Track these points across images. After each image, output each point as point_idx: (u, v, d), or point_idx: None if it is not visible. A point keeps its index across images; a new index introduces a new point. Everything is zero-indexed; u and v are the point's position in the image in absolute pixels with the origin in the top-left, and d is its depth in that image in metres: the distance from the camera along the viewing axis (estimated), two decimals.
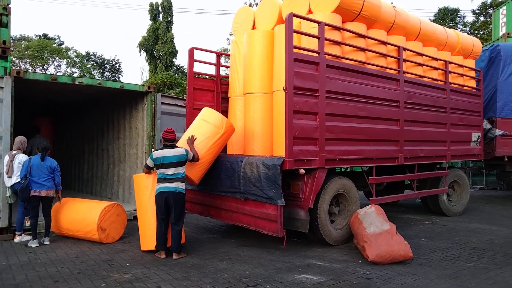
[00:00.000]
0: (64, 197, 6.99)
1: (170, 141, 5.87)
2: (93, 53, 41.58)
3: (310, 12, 6.66)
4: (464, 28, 29.42)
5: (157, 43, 35.79)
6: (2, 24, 7.06)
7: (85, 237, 6.58)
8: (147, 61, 36.77)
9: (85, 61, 39.76)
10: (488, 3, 28.47)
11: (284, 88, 5.68)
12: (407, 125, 7.52)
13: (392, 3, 8.65)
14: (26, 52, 33.54)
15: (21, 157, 6.62)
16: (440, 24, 12.36)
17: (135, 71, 74.06)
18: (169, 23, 36.18)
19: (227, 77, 8.26)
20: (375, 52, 7.06)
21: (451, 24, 29.30)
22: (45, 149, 6.52)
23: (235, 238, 6.92)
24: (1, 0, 7.09)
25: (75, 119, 11.74)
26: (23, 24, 61.00)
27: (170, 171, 5.69)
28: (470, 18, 32.61)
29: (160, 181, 5.74)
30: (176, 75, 33.70)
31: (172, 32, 36.39)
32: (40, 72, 31.35)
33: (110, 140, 10.09)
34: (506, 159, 10.23)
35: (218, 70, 8.17)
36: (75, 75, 36.16)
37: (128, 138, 9.36)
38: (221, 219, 6.89)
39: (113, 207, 6.67)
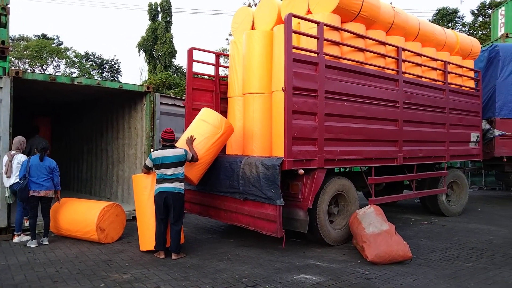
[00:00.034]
0: (63, 197, 6.98)
1: (169, 141, 5.87)
2: (92, 53, 41.56)
3: (309, 12, 6.66)
4: (463, 29, 29.46)
5: (156, 43, 35.78)
6: (1, 24, 7.05)
7: (84, 237, 6.57)
8: (146, 61, 36.75)
9: (84, 61, 39.72)
10: (487, 3, 28.52)
11: (283, 88, 5.68)
12: (406, 125, 7.52)
13: (391, 3, 8.66)
14: (25, 52, 33.49)
15: (20, 157, 6.61)
16: (439, 25, 12.38)
17: (134, 71, 73.98)
18: (168, 23, 36.17)
19: (226, 77, 8.26)
20: (374, 52, 7.07)
21: (450, 25, 29.35)
22: (44, 149, 6.51)
23: (234, 238, 6.92)
24: None
25: (74, 119, 11.73)
26: (22, 24, 61.02)
27: (169, 171, 5.69)
28: (469, 18, 32.69)
29: (159, 181, 5.74)
30: (175, 75, 33.71)
31: (171, 32, 36.39)
32: (39, 72, 31.29)
33: (109, 140, 10.09)
34: (505, 159, 10.24)
35: (217, 70, 8.17)
36: (74, 75, 36.13)
37: (127, 138, 9.36)
38: (220, 219, 6.89)
39: (112, 207, 6.67)
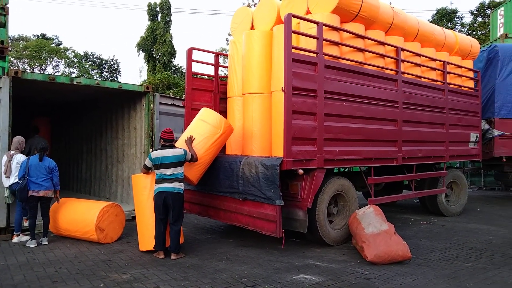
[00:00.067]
0: (62, 197, 6.98)
1: (168, 141, 5.87)
2: (91, 53, 41.56)
3: (308, 12, 6.66)
4: (462, 29, 29.48)
5: (156, 43, 35.76)
6: (0, 24, 7.05)
7: (84, 237, 6.57)
8: (145, 61, 36.74)
9: (84, 61, 39.68)
10: (486, 4, 28.54)
11: (283, 88, 5.68)
12: (405, 125, 7.53)
13: (390, 3, 8.66)
14: (24, 52, 33.46)
15: (19, 157, 6.61)
16: (438, 25, 12.39)
17: (133, 71, 74.02)
18: (167, 23, 36.15)
19: (225, 77, 8.26)
20: (374, 52, 7.07)
21: (449, 25, 29.37)
22: (43, 149, 6.51)
23: (233, 239, 6.92)
24: None
25: (74, 119, 11.73)
26: (21, 24, 60.96)
27: (168, 171, 5.69)
28: (468, 19, 32.68)
29: (158, 181, 5.74)
30: (174, 75, 33.70)
31: (171, 32, 36.37)
32: (38, 72, 31.29)
33: (109, 140, 10.08)
34: (504, 160, 10.25)
35: (216, 70, 8.17)
36: (73, 75, 36.10)
37: (126, 138, 9.35)
38: (220, 220, 6.89)
39: (111, 207, 6.66)
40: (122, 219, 6.89)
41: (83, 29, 67.51)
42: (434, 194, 8.75)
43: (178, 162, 5.76)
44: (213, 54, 8.46)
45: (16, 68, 26.25)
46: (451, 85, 8.83)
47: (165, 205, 5.68)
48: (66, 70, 36.75)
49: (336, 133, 6.36)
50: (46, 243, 6.45)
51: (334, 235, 6.42)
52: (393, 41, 7.54)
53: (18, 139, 6.83)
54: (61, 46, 38.82)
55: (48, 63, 35.56)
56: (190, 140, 6.14)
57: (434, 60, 8.51)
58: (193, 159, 5.98)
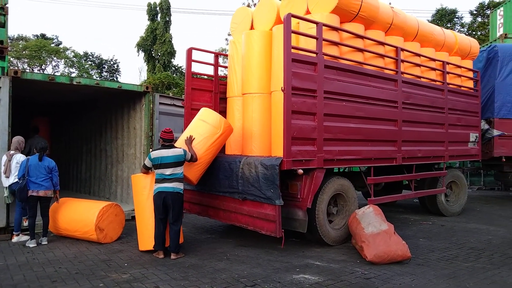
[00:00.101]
0: (62, 197, 6.97)
1: (168, 141, 5.87)
2: (91, 53, 41.58)
3: (308, 12, 6.66)
4: (462, 29, 29.50)
5: (155, 43, 35.78)
6: (0, 24, 7.05)
7: (83, 237, 6.57)
8: (145, 61, 36.76)
9: (83, 61, 39.69)
10: (486, 4, 28.56)
11: (282, 88, 5.68)
12: (405, 125, 7.53)
13: (390, 3, 8.67)
14: (23, 52, 33.47)
15: (19, 157, 6.61)
16: (438, 25, 12.38)
17: (133, 71, 74.00)
18: (167, 23, 36.18)
19: (225, 77, 8.26)
20: (373, 52, 7.07)
21: (449, 25, 29.37)
22: (43, 149, 6.50)
23: (233, 238, 6.92)
24: None
25: (73, 119, 11.72)
26: (21, 24, 60.95)
27: (168, 171, 5.69)
28: (467, 19, 32.67)
29: (158, 181, 5.74)
30: (174, 75, 33.71)
31: (170, 32, 36.41)
32: (38, 72, 31.28)
33: (108, 140, 10.08)
34: (504, 160, 10.26)
35: (216, 70, 8.17)
36: (73, 75, 36.10)
37: (126, 138, 9.35)
38: (219, 219, 6.89)
39: (111, 207, 6.67)
40: (122, 219, 6.89)
41: (83, 29, 67.59)
42: (434, 194, 8.76)
43: (178, 162, 5.76)
44: (213, 54, 8.46)
45: (16, 68, 26.23)
46: (450, 85, 8.84)
47: (165, 205, 5.68)
48: (66, 70, 36.77)
49: (336, 133, 6.37)
50: (46, 243, 6.45)
51: (334, 235, 6.42)
52: (393, 41, 7.55)
53: (17, 139, 6.83)
54: (61, 46, 38.84)
55: (48, 63, 35.57)
56: (189, 140, 6.14)
57: (434, 60, 8.52)
58: (193, 159, 5.98)
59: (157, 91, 25.31)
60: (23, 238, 6.59)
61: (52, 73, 28.00)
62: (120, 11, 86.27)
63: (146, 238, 5.94)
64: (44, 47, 34.29)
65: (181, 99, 9.80)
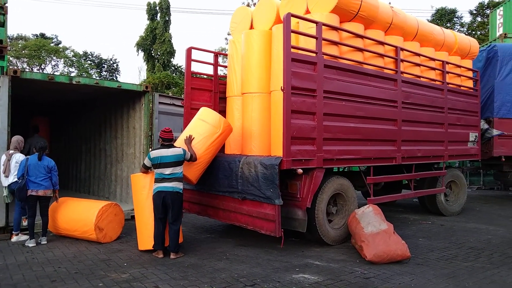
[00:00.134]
0: (61, 196, 6.97)
1: (167, 141, 5.87)
2: (90, 52, 41.55)
3: (307, 12, 6.66)
4: (462, 29, 29.50)
5: (155, 42, 35.75)
6: None
7: (83, 236, 6.56)
8: (144, 60, 36.72)
9: (83, 60, 39.69)
10: (486, 3, 28.57)
11: (282, 88, 5.68)
12: (404, 125, 7.53)
13: (389, 3, 8.66)
14: (23, 51, 33.46)
15: (18, 157, 6.60)
16: (438, 25, 12.39)
17: (132, 71, 74.01)
18: (166, 23, 36.13)
19: (225, 77, 8.26)
20: (373, 52, 7.07)
21: (448, 25, 29.38)
22: (42, 148, 6.50)
23: (232, 238, 6.92)
24: None
25: (73, 118, 11.71)
26: (20, 23, 60.88)
27: (167, 171, 5.69)
28: (467, 18, 32.70)
29: (157, 180, 5.74)
30: (174, 74, 33.70)
31: (170, 31, 36.35)
32: (37, 71, 31.26)
33: (108, 139, 10.07)
34: (503, 159, 10.27)
35: (216, 70, 8.17)
36: (72, 74, 36.09)
37: (125, 137, 9.35)
38: (219, 219, 6.89)
39: (110, 206, 6.66)
40: (121, 218, 6.88)
41: (82, 28, 67.54)
42: (433, 193, 8.76)
43: (177, 161, 5.76)
44: (213, 54, 8.46)
45: (15, 67, 26.22)
46: (450, 85, 8.84)
47: (164, 204, 5.67)
48: (65, 70, 36.77)
49: (335, 133, 6.37)
50: (45, 242, 6.45)
51: (333, 234, 6.42)
52: (393, 41, 7.54)
53: (17, 138, 6.83)
54: (60, 45, 38.85)
55: (47, 62, 35.57)
56: (189, 140, 6.13)
57: (433, 59, 8.52)
58: (192, 158, 5.97)
59: (157, 90, 25.31)
60: (23, 237, 6.59)
61: (51, 73, 27.98)
62: (120, 11, 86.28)
63: (145, 238, 5.94)
64: (43, 46, 34.28)
65: (180, 98, 9.80)
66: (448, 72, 8.79)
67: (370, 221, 5.75)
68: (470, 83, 9.65)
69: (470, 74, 9.67)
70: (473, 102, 9.54)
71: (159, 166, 5.70)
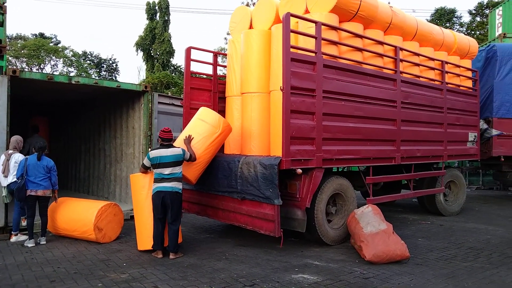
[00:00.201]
0: (60, 196, 6.97)
1: (167, 141, 5.86)
2: (89, 52, 41.55)
3: (307, 12, 6.66)
4: (461, 29, 29.53)
5: (154, 42, 35.72)
6: None
7: (82, 236, 6.56)
8: (144, 60, 36.68)
9: (82, 60, 39.67)
10: (485, 3, 28.59)
11: (281, 87, 5.68)
12: (404, 125, 7.53)
13: (389, 3, 8.66)
14: (22, 51, 33.43)
15: (18, 157, 6.59)
16: (437, 25, 12.39)
17: (132, 71, 74.03)
18: (166, 23, 36.10)
19: (224, 76, 8.26)
20: (372, 52, 7.07)
21: (447, 25, 29.41)
22: (42, 148, 6.49)
23: (232, 238, 6.92)
24: None
25: (72, 118, 11.70)
26: (20, 23, 60.75)
27: (166, 171, 5.68)
28: (466, 18, 32.73)
29: (156, 180, 5.73)
30: (173, 74, 33.67)
31: (169, 31, 36.32)
32: (37, 71, 31.25)
33: (107, 139, 10.07)
34: (503, 159, 10.27)
35: (215, 69, 8.17)
36: (71, 74, 36.05)
37: (125, 137, 9.34)
38: (218, 219, 6.89)
39: (109, 206, 6.66)
40: (121, 218, 6.88)
41: (82, 28, 67.49)
42: (433, 193, 8.76)
43: (177, 161, 5.75)
44: (212, 54, 8.46)
45: (14, 67, 26.19)
46: (449, 85, 8.84)
47: (164, 204, 5.67)
48: (65, 69, 36.75)
49: (335, 133, 6.36)
50: (44, 242, 6.44)
51: (333, 234, 6.42)
52: (392, 41, 7.54)
53: (16, 138, 6.82)
54: (60, 45, 38.83)
55: (47, 62, 35.55)
56: (188, 140, 6.13)
57: (433, 59, 8.52)
58: (192, 158, 5.97)
59: (156, 90, 25.28)
60: (22, 237, 6.58)
61: (50, 73, 27.94)
62: (119, 10, 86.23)
63: (145, 238, 5.93)
64: (42, 46, 34.25)
65: (180, 98, 9.80)
66: (447, 72, 8.79)
67: (370, 221, 5.75)
68: (469, 83, 9.65)
69: (469, 74, 9.67)
70: (472, 102, 9.55)
71: (159, 166, 5.70)
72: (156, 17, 36.36)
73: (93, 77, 35.89)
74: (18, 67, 31.58)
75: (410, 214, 9.31)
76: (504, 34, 13.88)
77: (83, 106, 10.86)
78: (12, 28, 49.61)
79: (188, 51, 7.72)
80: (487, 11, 25.57)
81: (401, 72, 7.56)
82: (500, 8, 15.93)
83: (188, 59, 7.69)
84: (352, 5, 6.66)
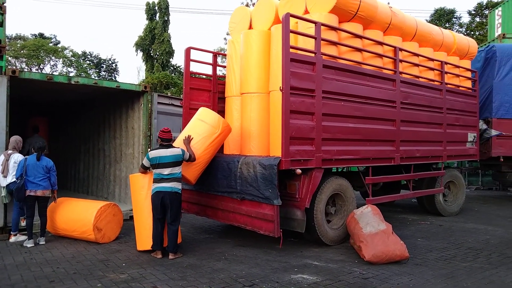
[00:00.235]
0: (60, 197, 6.97)
1: (166, 141, 5.86)
2: (89, 52, 41.58)
3: (306, 12, 6.66)
4: (460, 29, 29.57)
5: (154, 42, 35.74)
6: None
7: (81, 237, 6.55)
8: (143, 60, 36.70)
9: (81, 60, 39.68)
10: (484, 4, 28.62)
11: (281, 88, 5.68)
12: (403, 125, 7.54)
13: (388, 3, 8.67)
14: (22, 51, 33.42)
15: (17, 157, 6.59)
16: (436, 25, 12.40)
17: (131, 71, 74.01)
18: (165, 23, 36.13)
19: (223, 77, 8.25)
20: (372, 52, 7.07)
21: (447, 25, 29.44)
22: (41, 148, 6.49)
23: (231, 238, 6.92)
24: None
25: (71, 118, 11.70)
26: (19, 23, 60.78)
27: (166, 171, 5.68)
28: (466, 19, 32.80)
29: (156, 181, 5.73)
30: (172, 75, 33.69)
31: (169, 31, 36.34)
32: (36, 71, 31.23)
33: (106, 140, 10.06)
34: (502, 160, 10.28)
35: (214, 70, 8.16)
36: (71, 74, 36.06)
37: (124, 138, 9.34)
38: (218, 219, 6.89)
39: (109, 207, 6.65)
40: (120, 218, 6.88)
41: (81, 28, 67.45)
42: (432, 194, 8.76)
43: (176, 161, 5.75)
44: (211, 54, 8.47)
45: (14, 67, 26.18)
46: (449, 85, 8.85)
47: (163, 204, 5.67)
48: (64, 70, 36.75)
49: (334, 133, 6.37)
50: (44, 242, 6.44)
51: (332, 234, 6.42)
52: (391, 41, 7.55)
53: (15, 138, 6.82)
54: (59, 45, 38.83)
55: (46, 62, 35.55)
56: (188, 140, 6.13)
57: (432, 60, 8.52)
58: (191, 158, 5.97)
59: (156, 90, 25.28)
60: (21, 238, 6.58)
61: (50, 73, 27.93)
62: (119, 11, 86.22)
63: (144, 238, 5.93)
64: (42, 46, 34.25)
65: (179, 98, 9.80)
66: (446, 73, 8.79)
67: (369, 221, 5.76)
68: (468, 84, 9.66)
69: (468, 74, 9.68)
70: (471, 102, 9.56)
71: (158, 166, 5.70)
72: (155, 17, 36.39)
73: (93, 77, 35.87)
74: (18, 67, 31.57)
75: (409, 215, 9.31)
76: (504, 34, 13.88)
77: (82, 106, 10.86)
78: (12, 28, 49.61)
79: (187, 51, 7.72)
80: (487, 12, 25.60)
81: (401, 73, 7.56)
82: (500, 8, 15.94)
83: (187, 59, 7.69)
84: (352, 5, 6.67)
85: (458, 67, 9.30)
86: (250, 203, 6.00)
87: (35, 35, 38.66)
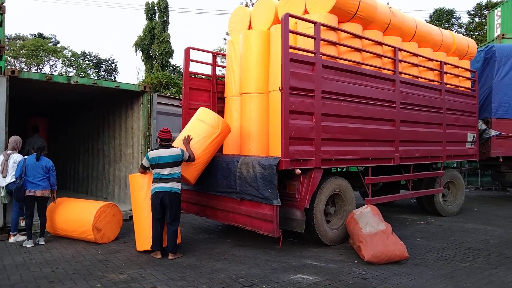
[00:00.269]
0: (59, 197, 6.96)
1: (166, 141, 5.86)
2: (88, 52, 41.54)
3: (306, 12, 6.67)
4: (459, 29, 29.59)
5: (153, 42, 35.73)
6: None
7: (81, 237, 6.55)
8: (143, 60, 36.69)
9: (81, 60, 39.66)
10: (483, 4, 28.65)
11: (280, 88, 5.68)
12: (402, 125, 7.54)
13: (388, 4, 8.67)
14: (21, 51, 33.39)
15: (16, 157, 6.58)
16: (436, 25, 12.40)
17: (131, 71, 73.98)
18: (165, 23, 36.12)
19: (223, 77, 8.25)
20: (371, 52, 7.07)
21: (446, 25, 29.46)
22: (40, 148, 6.48)
23: (231, 238, 6.92)
24: None
25: (71, 118, 11.69)
26: (18, 23, 60.76)
27: (165, 171, 5.68)
28: (465, 19, 32.83)
29: (155, 181, 5.73)
30: (172, 75, 33.68)
31: (168, 31, 36.34)
32: (35, 71, 31.21)
33: (106, 140, 10.06)
34: (501, 160, 10.28)
35: (214, 70, 8.16)
36: (70, 74, 36.04)
37: (123, 138, 9.33)
38: (217, 219, 6.89)
39: (108, 207, 6.65)
40: (119, 219, 6.87)
41: (81, 28, 67.38)
42: (431, 194, 8.77)
43: (176, 162, 5.75)
44: (211, 54, 8.46)
45: (13, 67, 26.16)
46: (448, 85, 8.85)
47: (162, 205, 5.67)
48: (64, 70, 36.73)
49: (334, 133, 6.37)
50: (43, 243, 6.43)
51: (332, 235, 6.42)
52: (391, 41, 7.55)
53: (14, 138, 6.81)
54: (58, 45, 38.80)
55: (45, 62, 35.52)
56: (187, 140, 6.13)
57: (432, 60, 8.53)
58: (191, 159, 5.97)
59: (155, 90, 25.29)
60: (20, 238, 6.57)
61: (49, 73, 27.91)
62: (118, 11, 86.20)
63: (143, 238, 5.92)
64: (41, 46, 34.23)
65: (179, 98, 9.80)
66: (446, 73, 8.80)
67: (368, 221, 5.76)
68: (468, 84, 9.67)
69: (468, 74, 9.69)
70: (471, 102, 9.56)
71: (157, 167, 5.70)
72: (155, 17, 36.38)
73: (92, 77, 35.85)
74: (17, 67, 31.55)
75: (409, 215, 9.32)
76: (503, 34, 13.89)
77: (82, 106, 10.85)
78: (11, 28, 49.63)
79: (187, 51, 7.72)
80: (486, 12, 25.62)
81: (400, 73, 7.57)
82: (499, 9, 15.95)
83: (187, 59, 7.68)
84: (351, 5, 6.67)
85: (457, 67, 9.31)
86: (250, 203, 6.00)
87: (34, 35, 38.64)
